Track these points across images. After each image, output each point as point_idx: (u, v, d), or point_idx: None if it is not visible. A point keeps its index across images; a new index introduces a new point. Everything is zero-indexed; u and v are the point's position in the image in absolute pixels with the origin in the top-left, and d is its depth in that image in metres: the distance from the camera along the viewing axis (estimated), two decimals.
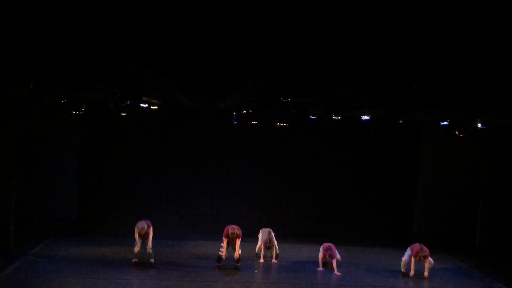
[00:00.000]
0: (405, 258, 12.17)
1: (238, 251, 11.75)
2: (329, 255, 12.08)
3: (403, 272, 12.15)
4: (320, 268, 12.20)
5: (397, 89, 6.12)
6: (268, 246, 12.56)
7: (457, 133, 11.04)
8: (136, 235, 11.45)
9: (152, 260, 11.62)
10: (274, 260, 12.64)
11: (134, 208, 15.58)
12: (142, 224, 11.47)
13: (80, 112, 7.71)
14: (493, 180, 13.70)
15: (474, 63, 4.04)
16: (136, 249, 11.45)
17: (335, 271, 12.00)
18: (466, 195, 15.14)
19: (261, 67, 4.52)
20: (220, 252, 11.69)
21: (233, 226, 11.78)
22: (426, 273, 11.92)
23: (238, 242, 11.64)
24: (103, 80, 7.63)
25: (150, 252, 11.52)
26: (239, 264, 11.91)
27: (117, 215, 15.51)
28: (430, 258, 12.00)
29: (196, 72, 6.13)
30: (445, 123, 11.02)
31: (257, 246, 12.73)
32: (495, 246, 13.47)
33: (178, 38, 3.73)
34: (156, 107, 12.83)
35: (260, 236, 12.71)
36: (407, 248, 12.33)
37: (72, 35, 3.56)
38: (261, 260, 12.62)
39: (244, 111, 11.81)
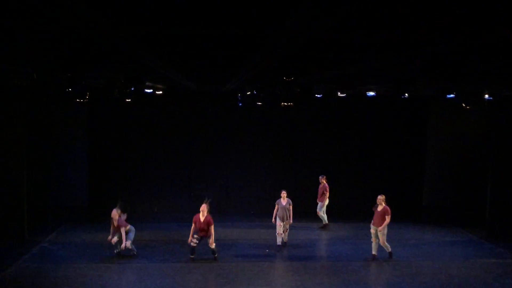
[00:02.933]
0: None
1: (212, 240, 10.93)
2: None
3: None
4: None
5: (402, 63, 6.06)
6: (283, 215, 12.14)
7: (464, 105, 10.97)
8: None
9: (135, 252, 11.37)
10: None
11: (144, 193, 15.73)
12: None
13: (85, 100, 7.74)
14: (502, 151, 13.61)
15: (478, 33, 3.99)
16: (114, 240, 11.11)
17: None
18: (475, 168, 15.08)
19: (263, 45, 4.49)
20: (192, 244, 10.98)
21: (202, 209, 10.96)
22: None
23: (211, 229, 10.90)
24: (106, 67, 7.62)
25: (130, 247, 11.18)
26: (216, 256, 11.17)
27: (127, 201, 15.63)
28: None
29: (199, 54, 6.10)
30: (452, 95, 10.94)
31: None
32: (505, 218, 13.47)
33: (178, 20, 3.70)
34: (160, 92, 12.82)
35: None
36: (416, 223, 12.34)
37: (73, 23, 3.55)
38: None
39: (249, 92, 11.78)
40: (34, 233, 13.00)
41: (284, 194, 12.33)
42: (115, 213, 11.08)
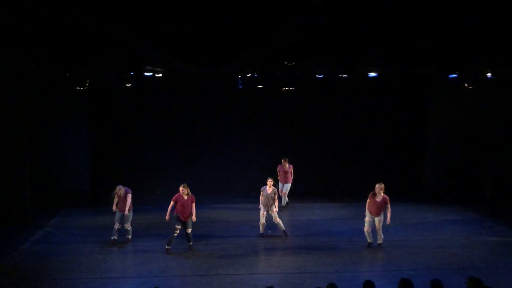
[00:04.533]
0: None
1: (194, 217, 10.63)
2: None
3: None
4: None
5: (404, 49, 5.98)
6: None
7: (466, 85, 10.87)
8: (116, 199, 11.08)
9: (129, 237, 11.32)
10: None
11: (144, 176, 15.76)
12: (119, 187, 11.16)
13: (84, 88, 7.70)
14: (503, 130, 13.58)
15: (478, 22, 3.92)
16: (116, 226, 11.15)
17: None
18: (476, 146, 15.07)
19: (263, 39, 4.42)
20: (175, 234, 10.65)
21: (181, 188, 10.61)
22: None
23: (193, 206, 10.59)
24: (106, 53, 7.54)
25: (128, 229, 11.23)
26: (191, 244, 10.81)
27: (129, 185, 15.68)
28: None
29: (199, 47, 6.03)
30: (454, 75, 10.84)
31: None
32: (507, 196, 13.52)
33: (182, 17, 3.63)
34: (160, 75, 12.72)
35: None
36: (417, 202, 12.34)
37: (69, 21, 3.49)
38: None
39: (249, 75, 11.68)
40: (37, 217, 13.10)
41: (270, 182, 11.59)
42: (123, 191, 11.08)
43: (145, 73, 11.78)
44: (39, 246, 11.16)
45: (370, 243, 11.01)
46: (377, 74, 12.19)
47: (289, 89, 9.62)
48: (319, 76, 12.79)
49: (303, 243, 11.52)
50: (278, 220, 11.66)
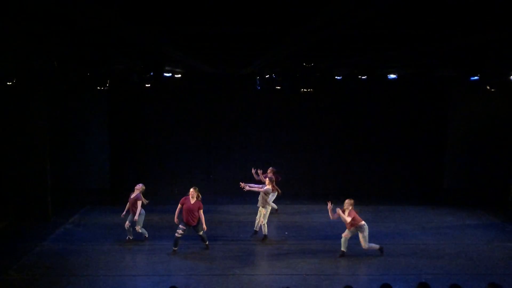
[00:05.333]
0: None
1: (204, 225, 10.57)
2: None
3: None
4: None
5: (424, 51, 5.91)
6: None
7: (488, 87, 10.65)
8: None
9: (146, 236, 11.37)
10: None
11: (164, 176, 15.90)
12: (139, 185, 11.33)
13: (105, 87, 7.83)
14: None
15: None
16: (127, 225, 11.18)
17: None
18: (497, 150, 14.82)
19: (282, 40, 4.42)
20: (177, 234, 10.48)
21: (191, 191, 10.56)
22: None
23: (201, 213, 10.50)
24: (125, 55, 7.64)
25: (140, 231, 11.22)
26: (207, 243, 10.85)
27: (148, 183, 15.83)
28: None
29: (219, 46, 6.06)
30: (475, 78, 10.65)
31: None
32: None
33: (200, 18, 3.66)
34: (179, 75, 12.83)
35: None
36: (436, 206, 12.17)
37: (90, 21, 3.55)
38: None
39: (268, 76, 11.68)
40: (58, 215, 13.32)
41: (268, 181, 11.67)
42: (140, 187, 11.28)
43: (165, 74, 11.88)
44: (59, 243, 11.34)
45: (343, 252, 10.57)
46: (397, 76, 12.07)
47: (307, 91, 9.61)
48: (338, 78, 12.74)
49: (320, 246, 11.47)
50: (261, 221, 11.51)
